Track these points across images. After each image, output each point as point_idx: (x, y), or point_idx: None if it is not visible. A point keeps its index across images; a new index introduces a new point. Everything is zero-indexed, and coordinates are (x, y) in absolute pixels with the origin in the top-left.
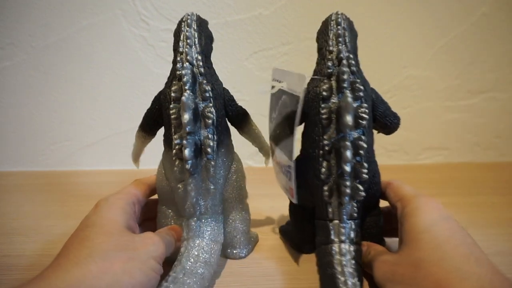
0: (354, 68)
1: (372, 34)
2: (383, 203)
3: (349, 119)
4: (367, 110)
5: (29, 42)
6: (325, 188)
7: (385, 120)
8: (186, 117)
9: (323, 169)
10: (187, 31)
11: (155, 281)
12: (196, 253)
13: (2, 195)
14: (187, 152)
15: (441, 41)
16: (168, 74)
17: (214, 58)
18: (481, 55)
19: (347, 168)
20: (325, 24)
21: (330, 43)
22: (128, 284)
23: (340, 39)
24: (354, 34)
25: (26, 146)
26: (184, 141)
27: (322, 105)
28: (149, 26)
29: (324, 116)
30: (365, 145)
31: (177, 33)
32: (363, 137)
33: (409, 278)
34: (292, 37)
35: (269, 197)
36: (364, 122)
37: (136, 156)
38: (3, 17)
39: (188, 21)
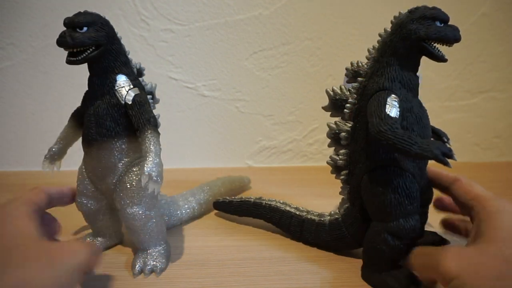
0: (362, 72)
1: (372, 35)
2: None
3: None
4: (349, 105)
5: (29, 42)
6: None
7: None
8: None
9: None
10: None
11: None
12: None
13: (2, 195)
14: None
15: None
16: (166, 74)
17: (214, 58)
18: (481, 55)
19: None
20: None
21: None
22: None
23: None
24: (392, 36)
25: (26, 146)
26: None
27: None
28: (149, 26)
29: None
30: (343, 134)
31: None
32: (346, 126)
33: (501, 273)
34: (292, 37)
35: (269, 197)
36: (345, 116)
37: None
38: (3, 17)
39: None
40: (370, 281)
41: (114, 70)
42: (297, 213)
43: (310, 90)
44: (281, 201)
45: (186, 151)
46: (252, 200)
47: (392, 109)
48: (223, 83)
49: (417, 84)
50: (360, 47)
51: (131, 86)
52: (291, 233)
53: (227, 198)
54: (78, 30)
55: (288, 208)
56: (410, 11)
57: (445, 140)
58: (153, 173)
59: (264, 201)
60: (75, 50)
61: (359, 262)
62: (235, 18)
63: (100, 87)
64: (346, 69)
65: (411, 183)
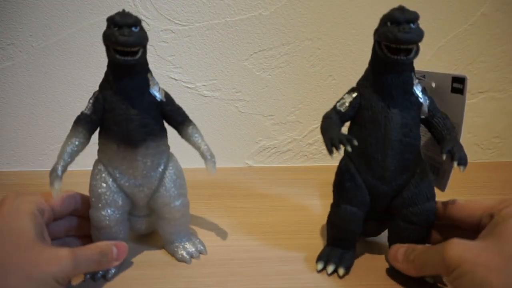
0: None
1: (372, 35)
2: None
3: None
4: None
5: (30, 42)
6: None
7: None
8: None
9: None
10: None
11: None
12: None
13: (2, 195)
14: None
15: (440, 42)
16: (166, 74)
17: (214, 58)
18: (480, 55)
19: None
20: None
21: None
22: None
23: None
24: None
25: (26, 146)
26: None
27: None
28: (149, 27)
29: None
30: None
31: None
32: None
33: (499, 266)
34: (292, 37)
35: (269, 197)
36: None
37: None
38: (4, 18)
39: None
40: None
41: (147, 69)
42: None
43: (310, 90)
44: None
45: (186, 151)
46: None
47: (344, 103)
48: (223, 83)
49: (391, 85)
50: (360, 47)
51: (158, 84)
52: None
53: None
54: (133, 29)
55: None
56: None
57: (443, 157)
58: (214, 158)
59: None
60: (135, 50)
61: (359, 262)
62: (235, 19)
63: (135, 87)
64: None
65: (351, 175)
